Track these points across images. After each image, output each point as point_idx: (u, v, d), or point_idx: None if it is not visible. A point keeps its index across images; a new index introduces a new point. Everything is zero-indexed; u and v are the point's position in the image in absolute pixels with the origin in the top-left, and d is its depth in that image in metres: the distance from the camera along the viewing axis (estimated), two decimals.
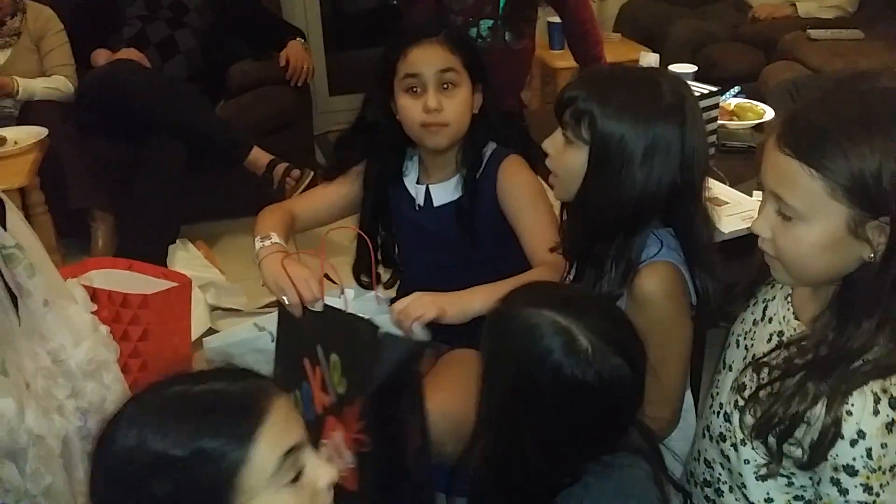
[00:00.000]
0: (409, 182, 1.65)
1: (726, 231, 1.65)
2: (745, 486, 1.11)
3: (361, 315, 1.34)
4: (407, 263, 1.74)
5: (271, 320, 1.82)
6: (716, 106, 2.05)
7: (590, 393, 0.97)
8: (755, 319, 1.14)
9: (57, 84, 2.80)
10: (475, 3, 2.40)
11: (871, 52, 3.22)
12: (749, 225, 1.62)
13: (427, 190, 1.62)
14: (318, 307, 1.38)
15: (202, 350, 1.90)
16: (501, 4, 2.38)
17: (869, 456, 0.95)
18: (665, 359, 1.19)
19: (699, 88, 2.04)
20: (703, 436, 1.21)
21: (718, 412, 1.16)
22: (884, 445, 0.95)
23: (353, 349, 1.33)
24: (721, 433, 1.15)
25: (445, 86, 1.50)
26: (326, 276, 1.43)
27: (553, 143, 1.26)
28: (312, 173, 2.87)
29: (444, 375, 1.58)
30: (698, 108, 1.24)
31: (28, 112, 2.70)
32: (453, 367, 1.60)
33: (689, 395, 1.37)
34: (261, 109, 3.05)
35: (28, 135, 2.47)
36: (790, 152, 0.94)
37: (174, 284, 1.96)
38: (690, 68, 2.36)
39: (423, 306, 1.31)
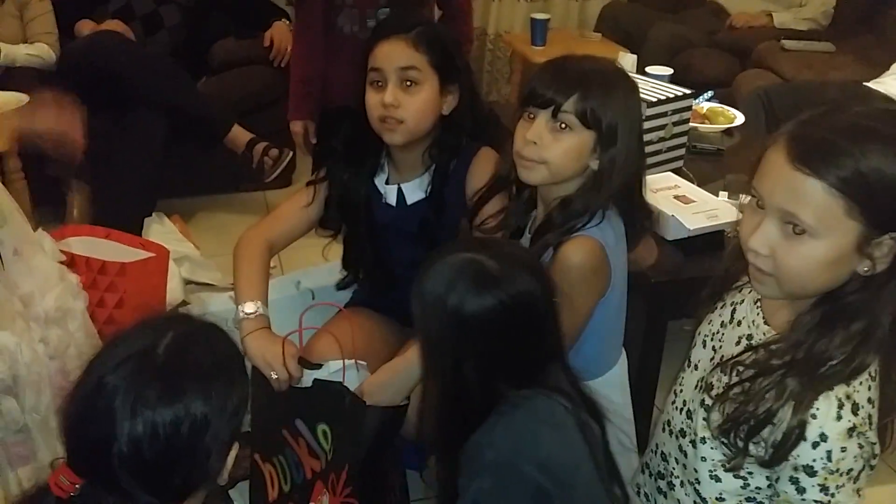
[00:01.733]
0: (380, 182, 1.65)
1: (692, 228, 1.72)
2: (698, 482, 1.15)
3: (344, 384, 1.43)
4: (382, 261, 1.74)
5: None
6: (689, 108, 2.11)
7: (505, 311, 1.06)
8: (723, 321, 1.17)
9: (39, 52, 2.79)
10: None
11: (842, 65, 3.32)
12: (712, 223, 1.72)
13: (399, 189, 1.63)
14: (305, 382, 1.46)
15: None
16: None
17: (828, 458, 0.98)
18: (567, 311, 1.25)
19: (674, 90, 2.10)
20: (664, 430, 1.25)
21: (681, 409, 1.19)
22: (843, 449, 0.98)
23: (340, 418, 1.41)
24: (682, 429, 1.18)
25: (408, 83, 1.51)
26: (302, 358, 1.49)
27: (538, 133, 1.31)
28: (291, 153, 2.89)
29: (332, 326, 1.64)
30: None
31: (8, 79, 2.68)
32: (341, 320, 1.65)
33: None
34: (242, 88, 3.06)
35: (8, 100, 2.45)
36: (806, 170, 0.94)
37: (151, 255, 1.98)
38: (667, 71, 2.42)
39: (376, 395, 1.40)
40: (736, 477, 1.09)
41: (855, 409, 0.99)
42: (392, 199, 1.64)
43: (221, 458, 0.90)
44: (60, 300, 1.40)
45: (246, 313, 1.49)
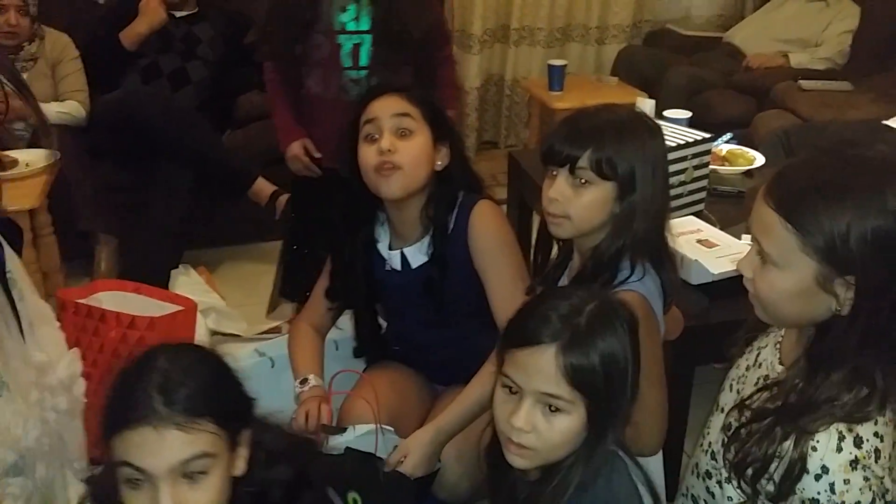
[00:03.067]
0: (382, 248, 1.66)
1: (716, 272, 1.71)
2: None
3: (371, 451, 1.49)
4: (395, 323, 1.79)
5: (272, 346, 1.88)
6: (708, 152, 2.12)
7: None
8: (748, 365, 1.20)
9: (70, 109, 2.86)
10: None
11: (859, 104, 3.32)
12: (736, 267, 1.71)
13: (402, 254, 1.64)
14: (337, 449, 1.50)
15: None
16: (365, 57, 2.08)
17: (832, 490, 1.00)
18: (644, 381, 1.25)
19: (693, 135, 2.11)
20: (692, 473, 1.26)
21: (707, 451, 1.21)
22: (846, 482, 0.99)
23: (374, 488, 1.45)
24: (707, 470, 1.20)
25: (403, 132, 1.53)
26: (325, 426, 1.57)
27: (559, 190, 1.33)
28: None
29: (364, 384, 1.68)
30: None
31: (39, 135, 2.76)
32: (373, 377, 1.70)
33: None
34: (266, 140, 3.07)
35: (39, 157, 2.52)
36: (772, 205, 1.02)
37: (180, 308, 2.01)
38: (685, 114, 2.44)
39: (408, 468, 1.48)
40: None
41: (858, 442, 1.00)
42: (397, 265, 1.65)
43: None
44: (70, 368, 1.44)
45: (302, 388, 1.62)
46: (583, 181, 1.32)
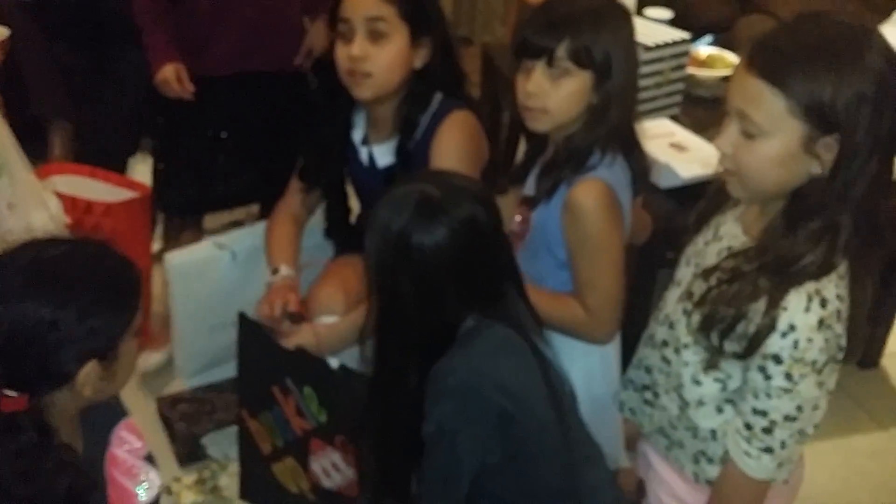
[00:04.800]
0: (356, 138, 1.63)
1: (686, 175, 1.70)
2: (681, 387, 1.23)
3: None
4: (364, 213, 1.76)
5: (232, 239, 1.85)
6: (686, 54, 2.07)
7: (450, 236, 1.12)
8: (706, 241, 1.24)
9: None
10: None
11: (846, 9, 3.24)
12: (707, 171, 1.70)
13: (370, 151, 1.61)
14: (289, 346, 1.49)
15: (160, 264, 1.90)
16: None
17: (795, 347, 1.08)
18: (599, 267, 1.34)
19: (672, 34, 2.05)
20: (646, 344, 1.33)
21: (664, 322, 1.27)
22: (809, 340, 1.07)
23: (326, 385, 1.45)
24: (664, 340, 1.26)
25: (376, 35, 1.46)
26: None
27: (537, 83, 1.31)
28: None
29: (331, 273, 1.72)
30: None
31: None
32: (340, 265, 1.70)
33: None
34: None
35: None
36: (758, 73, 1.04)
37: (136, 195, 1.95)
38: (667, 14, 2.36)
39: (303, 338, 1.49)
40: (715, 381, 1.18)
41: (823, 303, 1.07)
42: (365, 159, 1.62)
43: (72, 363, 0.99)
44: None
45: (272, 275, 1.61)
46: (560, 72, 1.29)
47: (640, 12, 2.41)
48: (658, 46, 1.97)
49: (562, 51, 1.29)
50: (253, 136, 2.06)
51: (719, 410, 1.20)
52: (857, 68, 1.01)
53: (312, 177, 1.68)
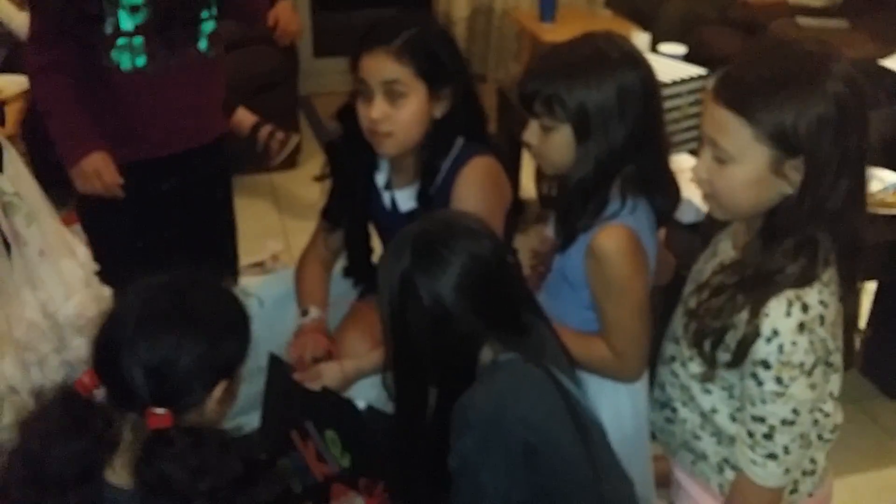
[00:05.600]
0: (380, 181, 1.63)
1: (706, 209, 1.68)
2: (693, 399, 1.27)
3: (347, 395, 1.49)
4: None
5: (259, 286, 1.86)
6: (702, 89, 2.07)
7: (451, 273, 1.13)
8: (706, 258, 1.31)
9: None
10: None
11: (856, 43, 3.26)
12: None
13: (392, 195, 1.61)
14: (315, 387, 1.50)
15: None
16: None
17: (780, 351, 1.12)
18: (624, 310, 1.34)
19: (689, 71, 2.06)
20: (659, 363, 1.36)
21: (670, 338, 1.32)
22: (794, 343, 1.11)
23: (351, 427, 1.46)
24: (672, 355, 1.31)
25: (394, 95, 1.46)
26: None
27: (532, 135, 1.34)
28: (298, 137, 2.85)
29: (356, 316, 1.72)
30: (644, 58, 1.36)
31: (15, 59, 2.65)
32: (365, 309, 1.69)
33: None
34: (245, 69, 3.01)
35: (13, 84, 2.43)
36: (724, 104, 1.11)
37: None
38: (681, 49, 2.38)
39: (329, 377, 1.50)
40: (722, 389, 1.22)
41: (805, 308, 1.12)
42: (387, 203, 1.63)
43: (209, 383, 1.10)
44: (83, 307, 1.35)
45: (302, 316, 1.63)
46: (547, 124, 1.30)
47: (654, 48, 2.43)
48: (675, 83, 1.99)
49: (538, 106, 1.30)
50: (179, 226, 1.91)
51: (732, 419, 1.23)
52: (816, 94, 1.07)
53: (335, 217, 1.69)
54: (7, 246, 1.23)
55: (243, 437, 1.12)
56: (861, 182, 1.14)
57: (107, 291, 1.42)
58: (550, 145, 1.32)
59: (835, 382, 1.23)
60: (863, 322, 2.27)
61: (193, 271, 1.15)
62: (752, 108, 1.08)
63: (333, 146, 1.65)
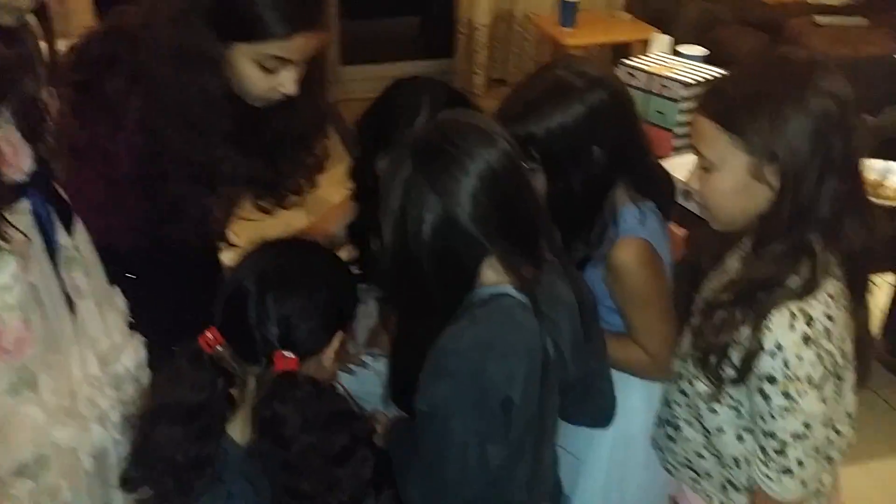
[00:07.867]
0: None
1: None
2: (701, 418, 1.25)
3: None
4: None
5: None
6: None
7: (478, 184, 1.04)
8: (716, 276, 1.29)
9: None
10: None
11: (875, 40, 3.29)
12: None
13: None
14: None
15: None
16: None
17: (786, 366, 1.10)
18: (651, 316, 1.37)
19: (709, 72, 2.10)
20: (668, 380, 1.35)
21: (679, 355, 1.31)
22: (799, 357, 1.09)
23: None
24: (680, 372, 1.30)
25: None
26: None
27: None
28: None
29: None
30: (615, 76, 1.40)
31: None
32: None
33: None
34: None
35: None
36: (705, 114, 1.16)
37: None
38: (701, 51, 2.40)
39: None
40: (730, 408, 1.20)
41: (809, 321, 1.10)
42: None
43: (331, 329, 1.17)
44: (137, 355, 1.33)
45: None
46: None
47: (675, 50, 2.47)
48: (697, 84, 2.03)
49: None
50: None
51: (739, 438, 1.21)
52: (793, 103, 1.09)
53: (359, 236, 1.61)
54: (70, 302, 1.19)
55: (352, 413, 1.17)
56: (854, 189, 1.13)
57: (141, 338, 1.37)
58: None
59: (850, 399, 1.20)
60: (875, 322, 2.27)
61: (301, 236, 1.26)
62: (729, 117, 1.12)
63: (360, 171, 1.55)
